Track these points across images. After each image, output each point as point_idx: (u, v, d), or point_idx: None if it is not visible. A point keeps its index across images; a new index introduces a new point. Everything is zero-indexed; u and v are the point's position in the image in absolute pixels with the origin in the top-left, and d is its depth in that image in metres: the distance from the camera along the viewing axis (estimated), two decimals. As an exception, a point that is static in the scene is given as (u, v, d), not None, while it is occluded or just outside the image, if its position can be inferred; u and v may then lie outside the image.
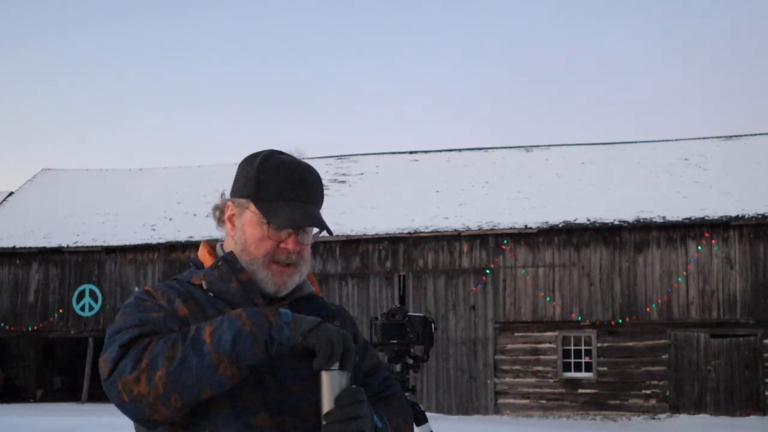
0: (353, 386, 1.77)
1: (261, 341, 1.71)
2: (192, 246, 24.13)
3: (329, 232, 1.97)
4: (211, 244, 2.07)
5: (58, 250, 25.45)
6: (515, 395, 22.33)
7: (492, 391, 22.41)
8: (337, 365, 1.75)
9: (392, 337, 3.66)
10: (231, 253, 1.95)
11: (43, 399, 27.39)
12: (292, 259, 1.94)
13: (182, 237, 24.72)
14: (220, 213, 2.04)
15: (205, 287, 1.91)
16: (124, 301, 1.99)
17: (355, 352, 1.85)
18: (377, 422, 1.90)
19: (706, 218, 21.44)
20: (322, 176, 2.22)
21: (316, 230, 2.00)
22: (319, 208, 1.99)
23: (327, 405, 1.74)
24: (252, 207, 1.94)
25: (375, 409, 1.94)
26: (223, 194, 2.06)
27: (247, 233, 1.94)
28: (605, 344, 21.87)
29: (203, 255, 2.03)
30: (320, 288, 2.14)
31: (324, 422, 1.73)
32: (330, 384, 1.74)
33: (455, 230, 22.77)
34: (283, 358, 1.82)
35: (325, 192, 2.06)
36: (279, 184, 1.94)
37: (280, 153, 2.00)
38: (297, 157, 2.02)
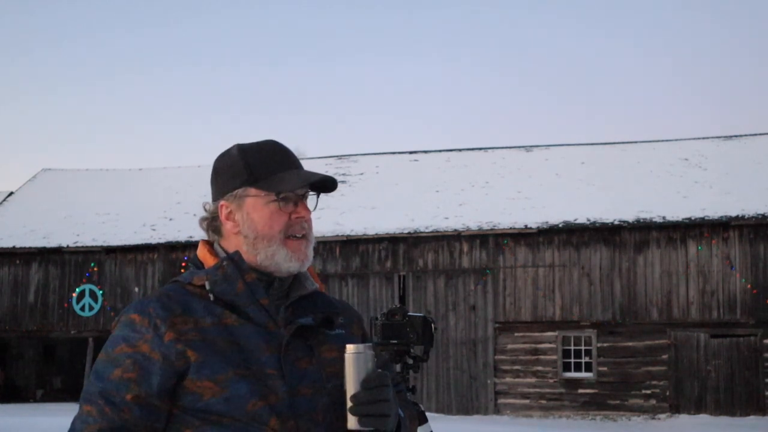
0: (379, 370, 1.76)
1: None
2: (192, 246, 24.09)
3: (334, 184, 1.95)
4: (210, 242, 1.98)
5: (58, 250, 25.43)
6: (515, 395, 22.32)
7: (492, 391, 22.41)
8: (362, 347, 1.74)
9: (392, 337, 3.65)
10: (237, 252, 1.88)
11: (43, 399, 27.38)
12: (305, 229, 1.92)
13: (182, 237, 24.70)
14: (211, 220, 1.96)
15: (208, 287, 1.83)
16: (124, 302, 1.97)
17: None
18: (399, 410, 1.89)
19: (706, 218, 21.44)
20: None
21: (313, 198, 1.97)
22: None
23: (353, 387, 1.72)
24: (252, 191, 1.89)
25: None
26: (205, 206, 1.98)
27: (255, 219, 1.89)
28: (605, 344, 21.87)
29: (203, 254, 1.94)
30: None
31: (350, 404, 1.72)
32: (356, 366, 1.73)
33: (455, 230, 22.76)
34: (292, 360, 1.81)
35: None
36: (269, 160, 1.91)
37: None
38: (297, 156, 1.99)
